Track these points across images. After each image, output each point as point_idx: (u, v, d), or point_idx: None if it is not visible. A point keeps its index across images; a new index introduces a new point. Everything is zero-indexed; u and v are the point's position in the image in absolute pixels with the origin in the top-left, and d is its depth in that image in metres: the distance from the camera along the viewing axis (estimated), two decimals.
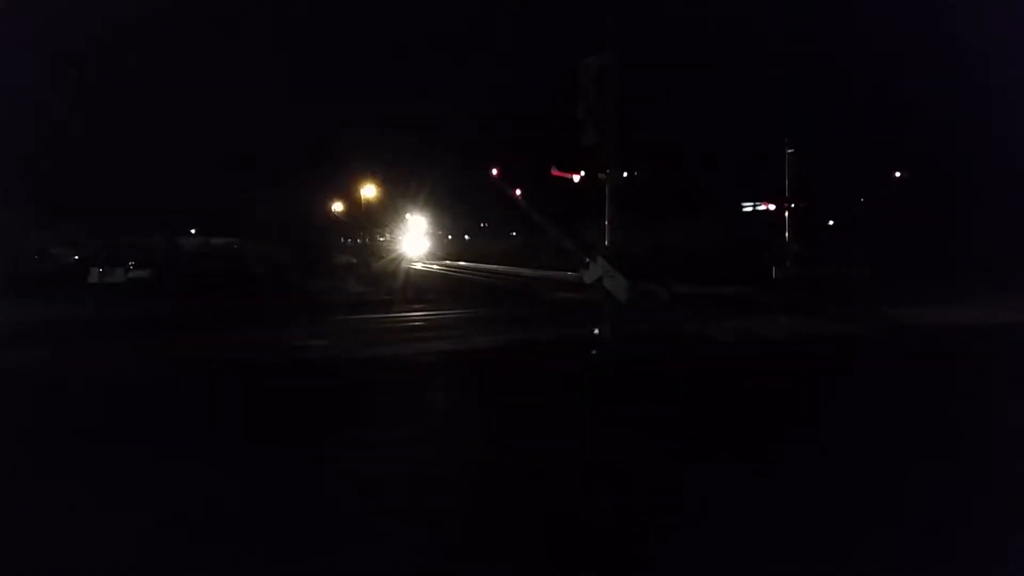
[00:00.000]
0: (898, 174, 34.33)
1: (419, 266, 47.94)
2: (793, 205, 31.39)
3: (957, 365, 10.60)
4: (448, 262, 55.20)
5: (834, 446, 6.29)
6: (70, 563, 4.21)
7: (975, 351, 12.07)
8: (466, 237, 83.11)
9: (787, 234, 31.20)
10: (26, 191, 32.55)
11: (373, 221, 47.31)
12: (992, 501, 5.00)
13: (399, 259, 42.16)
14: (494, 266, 49.47)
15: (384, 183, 43.32)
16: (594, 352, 11.11)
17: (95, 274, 31.77)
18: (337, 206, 48.79)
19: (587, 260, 12.30)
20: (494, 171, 35.75)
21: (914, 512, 4.86)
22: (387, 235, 55.39)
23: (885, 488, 5.38)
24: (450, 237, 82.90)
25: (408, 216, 55.76)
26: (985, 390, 8.50)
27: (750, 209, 38.68)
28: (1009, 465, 5.69)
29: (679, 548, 4.37)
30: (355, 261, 44.84)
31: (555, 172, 14.59)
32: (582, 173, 14.03)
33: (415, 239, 60.30)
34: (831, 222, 37.71)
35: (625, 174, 14.52)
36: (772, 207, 32.87)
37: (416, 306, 21.50)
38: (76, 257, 36.26)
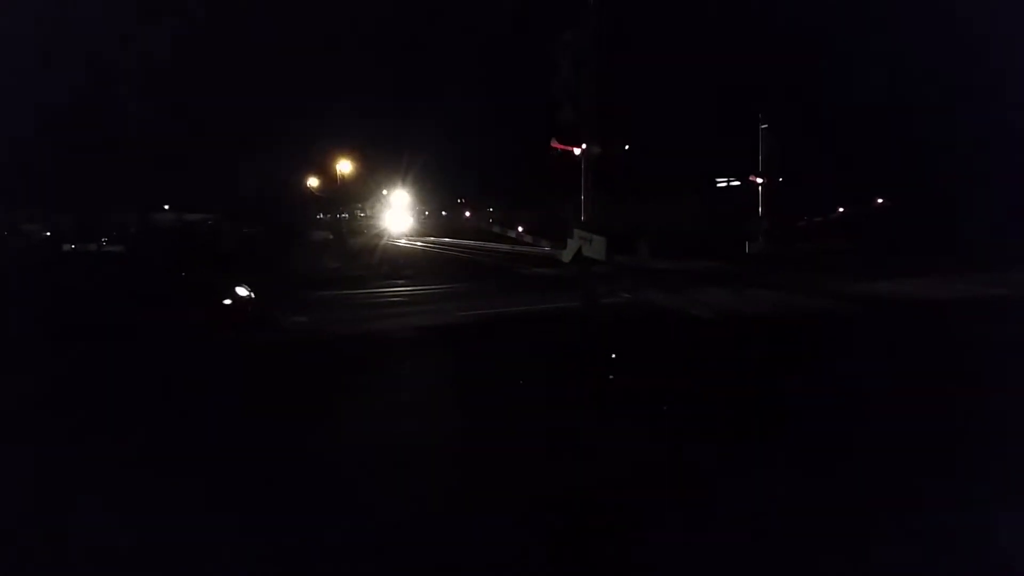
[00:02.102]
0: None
1: (403, 242, 47.65)
2: (766, 181, 31.83)
3: (929, 337, 11.06)
4: (432, 238, 54.95)
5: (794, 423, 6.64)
6: None
7: (950, 324, 12.57)
8: (443, 213, 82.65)
9: (760, 210, 31.67)
10: None
11: (351, 197, 46.99)
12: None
13: (379, 235, 41.97)
14: (473, 242, 49.53)
15: (362, 158, 43.03)
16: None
17: (67, 250, 31.28)
18: (313, 181, 48.36)
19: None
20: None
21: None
22: (367, 211, 54.92)
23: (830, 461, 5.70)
24: (427, 213, 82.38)
25: (386, 192, 55.33)
26: (958, 356, 8.89)
27: (724, 185, 39.14)
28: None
29: None
30: (332, 237, 44.56)
31: (555, 144, 14.53)
32: (583, 146, 13.98)
33: (396, 215, 59.65)
34: (808, 197, 38.33)
35: (601, 150, 14.64)
36: (746, 182, 33.35)
37: (394, 282, 21.60)
38: (47, 234, 35.68)
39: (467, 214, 40.09)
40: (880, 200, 36.31)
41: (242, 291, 12.28)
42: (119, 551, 4.18)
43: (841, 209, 37.43)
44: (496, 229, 37.26)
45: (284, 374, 9.01)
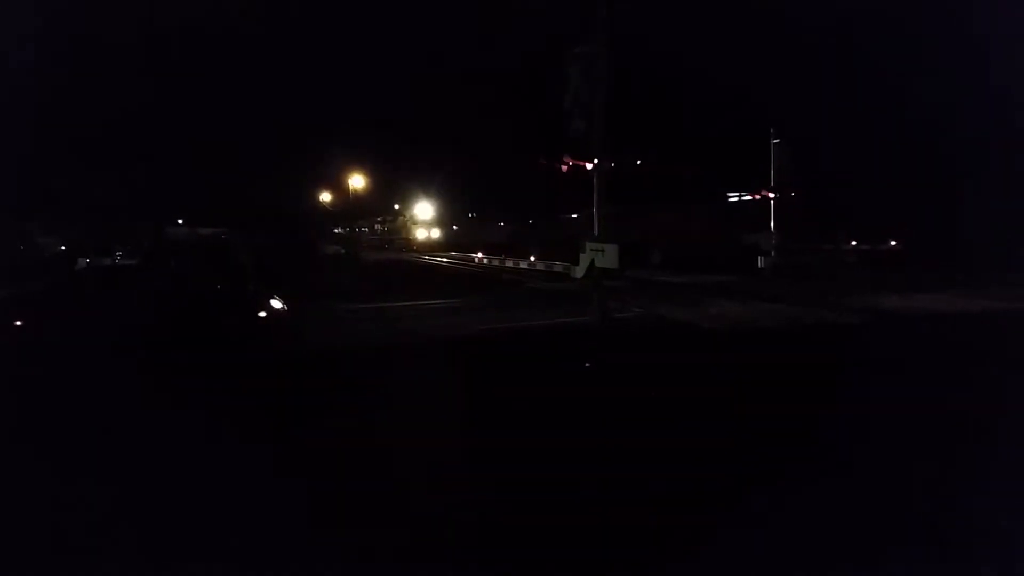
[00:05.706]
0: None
1: (426, 258, 47.41)
2: (778, 195, 31.66)
3: (927, 352, 11.02)
4: (455, 253, 54.68)
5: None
6: None
7: (946, 339, 12.52)
8: (454, 227, 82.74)
9: (772, 224, 31.48)
10: (11, 180, 32.28)
11: (365, 211, 47.28)
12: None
13: (396, 250, 42.01)
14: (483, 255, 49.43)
15: (377, 173, 43.32)
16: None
17: (82, 263, 31.56)
18: (325, 196, 48.75)
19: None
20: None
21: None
22: (385, 225, 55.12)
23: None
24: (440, 227, 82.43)
25: (397, 207, 55.53)
26: (957, 373, 8.79)
27: (736, 199, 39.04)
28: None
29: None
30: (343, 252, 44.75)
31: (569, 160, 14.44)
32: (595, 161, 13.88)
33: (415, 229, 59.36)
34: (819, 211, 38.08)
35: (612, 164, 14.60)
36: (757, 197, 33.19)
37: (408, 296, 21.54)
38: (63, 247, 36.02)
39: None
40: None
41: (276, 303, 12.19)
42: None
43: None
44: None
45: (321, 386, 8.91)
